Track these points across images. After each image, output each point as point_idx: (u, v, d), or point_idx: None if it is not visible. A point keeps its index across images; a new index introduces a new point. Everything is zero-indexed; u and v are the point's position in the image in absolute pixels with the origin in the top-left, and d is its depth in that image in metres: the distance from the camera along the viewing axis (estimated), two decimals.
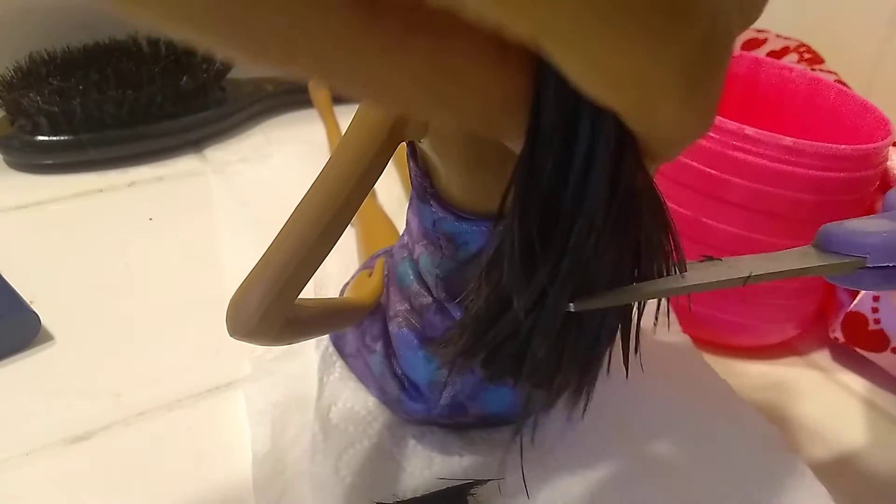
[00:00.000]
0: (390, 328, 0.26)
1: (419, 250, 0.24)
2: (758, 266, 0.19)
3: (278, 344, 0.21)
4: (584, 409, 0.19)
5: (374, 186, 0.21)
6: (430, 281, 0.24)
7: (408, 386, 0.26)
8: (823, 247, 0.20)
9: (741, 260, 0.19)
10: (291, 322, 0.21)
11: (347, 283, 0.29)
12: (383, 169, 0.20)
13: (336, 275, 0.34)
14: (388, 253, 0.28)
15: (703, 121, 0.12)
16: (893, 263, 0.19)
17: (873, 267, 0.19)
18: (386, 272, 0.27)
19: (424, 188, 0.22)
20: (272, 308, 0.19)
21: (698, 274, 0.18)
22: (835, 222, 0.20)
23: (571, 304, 0.15)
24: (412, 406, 0.26)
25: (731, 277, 0.18)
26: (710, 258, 0.19)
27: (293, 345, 0.29)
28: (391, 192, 0.43)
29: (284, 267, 0.19)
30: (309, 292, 0.34)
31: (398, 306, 0.25)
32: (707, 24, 0.10)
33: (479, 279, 0.16)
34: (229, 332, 0.20)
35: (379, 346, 0.26)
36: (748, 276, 0.18)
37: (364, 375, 0.28)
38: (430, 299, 0.24)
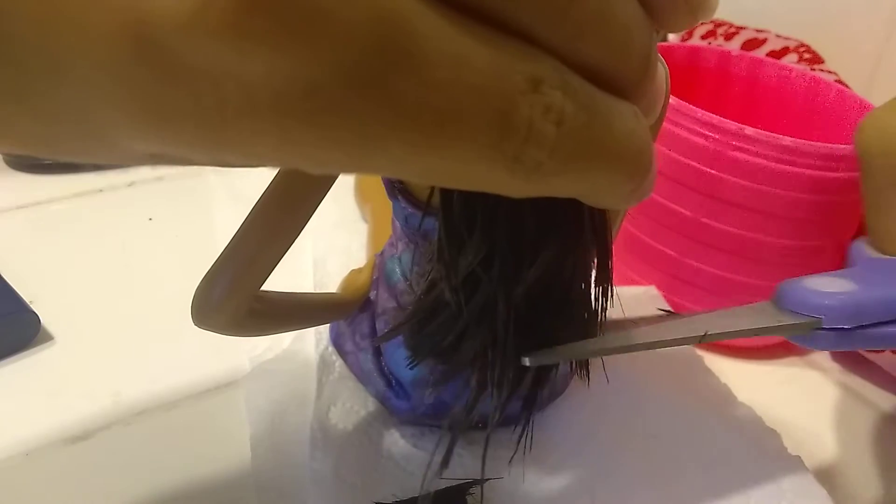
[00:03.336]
0: (378, 325, 0.26)
1: (401, 247, 0.25)
2: (714, 324, 0.18)
3: (243, 334, 0.21)
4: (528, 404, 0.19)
5: None
6: (413, 277, 0.24)
7: (394, 384, 0.26)
8: (780, 304, 0.20)
9: (698, 317, 0.19)
10: (255, 313, 0.20)
11: None
12: None
13: (335, 274, 0.34)
14: (381, 251, 0.28)
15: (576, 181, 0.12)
16: (848, 326, 0.19)
17: (829, 328, 0.19)
18: (376, 270, 0.27)
19: (392, 184, 0.22)
20: (235, 296, 0.19)
21: (653, 330, 0.18)
22: (794, 279, 0.20)
23: (526, 360, 0.16)
24: (398, 404, 0.26)
25: (686, 335, 0.18)
26: (669, 312, 0.19)
27: (294, 345, 0.29)
28: None
29: (248, 255, 0.19)
30: (309, 290, 0.34)
31: (386, 304, 0.25)
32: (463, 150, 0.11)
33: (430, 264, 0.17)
34: (193, 321, 0.20)
35: (367, 344, 0.26)
36: (703, 335, 0.18)
37: (360, 373, 0.28)
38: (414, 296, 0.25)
